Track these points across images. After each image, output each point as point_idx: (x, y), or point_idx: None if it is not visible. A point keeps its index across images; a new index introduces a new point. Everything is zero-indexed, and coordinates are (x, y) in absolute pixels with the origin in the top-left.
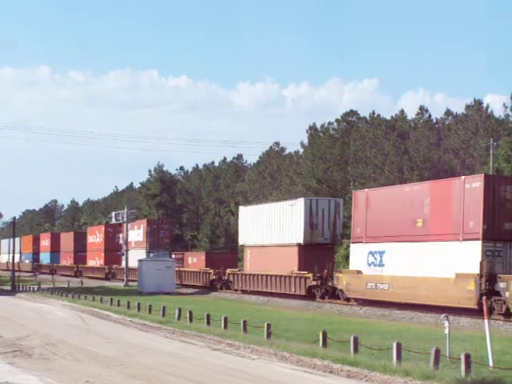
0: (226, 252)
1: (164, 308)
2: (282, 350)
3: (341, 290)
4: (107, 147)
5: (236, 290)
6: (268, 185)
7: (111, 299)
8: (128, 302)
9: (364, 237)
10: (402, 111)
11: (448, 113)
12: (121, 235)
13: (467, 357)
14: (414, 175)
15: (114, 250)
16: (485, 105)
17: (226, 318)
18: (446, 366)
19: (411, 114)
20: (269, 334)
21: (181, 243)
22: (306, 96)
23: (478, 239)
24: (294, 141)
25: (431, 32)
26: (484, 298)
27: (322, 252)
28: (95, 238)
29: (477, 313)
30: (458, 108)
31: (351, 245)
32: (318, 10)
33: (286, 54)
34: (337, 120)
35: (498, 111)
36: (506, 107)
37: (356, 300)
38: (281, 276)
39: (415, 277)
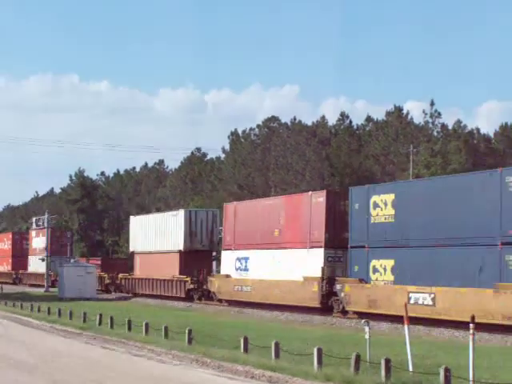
0: (121, 258)
1: (85, 314)
2: (204, 355)
3: (213, 293)
4: (28, 152)
5: (128, 293)
6: (189, 190)
7: (31, 305)
8: (48, 308)
9: (233, 244)
10: (323, 117)
11: (369, 119)
12: (36, 240)
13: (387, 361)
14: (334, 181)
15: (20, 256)
16: (405, 111)
17: (147, 324)
18: (366, 370)
19: (332, 120)
20: (190, 340)
21: (102, 249)
22: (228, 102)
23: (321, 247)
24: (215, 146)
25: (350, 39)
26: (405, 303)
27: (200, 258)
28: (3, 244)
29: (320, 311)
30: (379, 114)
31: (222, 251)
32: (238, 14)
33: (208, 59)
34: (258, 126)
35: (418, 118)
36: (426, 114)
37: (227, 301)
38: (164, 280)
39: (271, 280)
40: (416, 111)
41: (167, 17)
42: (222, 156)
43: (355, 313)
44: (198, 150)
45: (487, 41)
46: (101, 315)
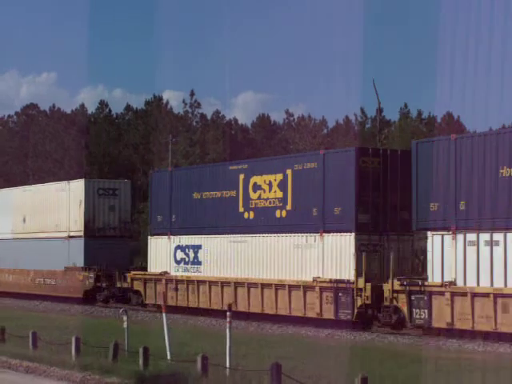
0: None
1: None
2: None
3: None
4: None
5: None
6: None
7: None
8: None
9: None
10: (83, 105)
11: (128, 108)
12: None
13: (145, 350)
14: (93, 170)
15: None
16: (164, 101)
17: None
18: (125, 359)
19: (92, 108)
20: None
21: None
22: None
23: None
24: None
25: (109, 27)
26: (163, 292)
27: None
28: None
29: None
30: (138, 103)
31: None
32: None
33: None
34: (16, 113)
35: (177, 108)
36: (186, 104)
37: None
38: None
39: None
40: (174, 101)
41: None
42: None
43: None
44: None
45: (243, 33)
46: None
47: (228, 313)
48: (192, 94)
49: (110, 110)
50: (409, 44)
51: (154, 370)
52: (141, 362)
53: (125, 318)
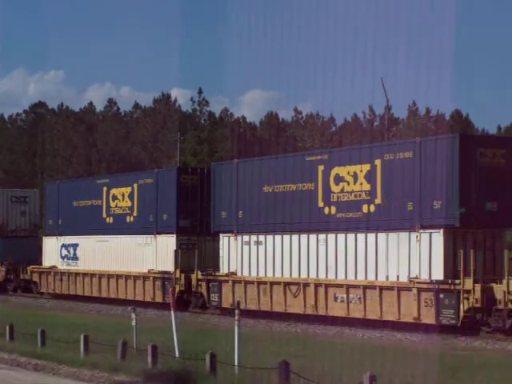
0: None
1: None
2: None
3: None
4: None
5: None
6: None
7: None
8: None
9: None
10: (91, 103)
11: (137, 106)
12: None
13: (154, 348)
14: (102, 168)
15: None
16: (172, 99)
17: None
18: (133, 357)
19: (100, 106)
20: None
21: None
22: None
23: None
24: None
25: (117, 25)
26: (170, 290)
27: None
28: None
29: None
30: (147, 101)
31: None
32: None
33: None
34: (25, 111)
35: (185, 105)
36: (194, 102)
37: None
38: None
39: None
40: (183, 99)
41: None
42: None
43: None
44: None
45: (248, 31)
46: None
47: (236, 311)
48: (200, 92)
49: (118, 108)
50: (417, 41)
51: (162, 368)
52: (149, 359)
53: (133, 315)
